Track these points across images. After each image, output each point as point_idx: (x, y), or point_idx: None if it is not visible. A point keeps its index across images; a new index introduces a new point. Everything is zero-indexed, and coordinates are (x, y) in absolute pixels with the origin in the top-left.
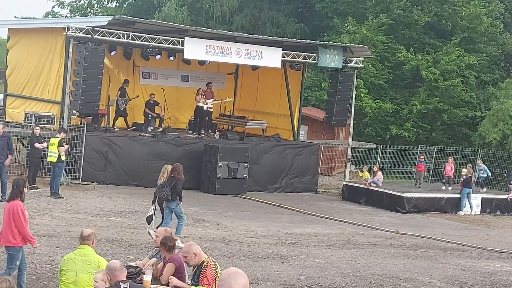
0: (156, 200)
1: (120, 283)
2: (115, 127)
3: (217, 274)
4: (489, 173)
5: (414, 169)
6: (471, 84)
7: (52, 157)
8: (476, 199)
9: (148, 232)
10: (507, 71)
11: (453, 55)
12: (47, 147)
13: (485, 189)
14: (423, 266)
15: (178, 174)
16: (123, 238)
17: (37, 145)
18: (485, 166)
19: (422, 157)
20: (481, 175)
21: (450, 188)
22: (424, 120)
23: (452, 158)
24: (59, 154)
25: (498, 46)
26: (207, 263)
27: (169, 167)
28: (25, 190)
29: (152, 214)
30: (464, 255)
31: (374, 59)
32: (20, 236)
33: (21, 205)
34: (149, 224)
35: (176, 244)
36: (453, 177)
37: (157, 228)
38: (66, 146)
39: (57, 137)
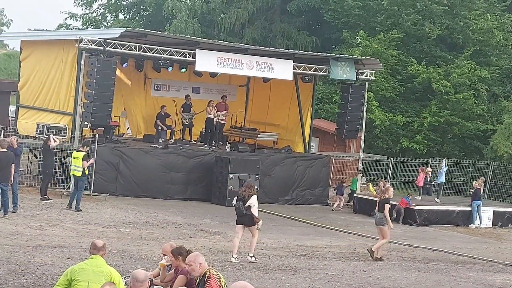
0: None
1: None
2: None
3: (221, 284)
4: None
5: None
6: (482, 97)
7: (76, 171)
8: (487, 212)
9: None
10: None
11: (465, 68)
12: (69, 160)
13: (438, 200)
14: (434, 279)
15: None
16: (133, 250)
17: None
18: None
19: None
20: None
21: (420, 197)
22: (435, 132)
23: (424, 168)
24: (83, 168)
25: (510, 60)
26: (210, 274)
27: None
28: None
29: None
30: (476, 268)
31: (385, 72)
32: None
33: None
34: None
35: None
36: (421, 186)
37: None
38: (92, 160)
39: (81, 151)
